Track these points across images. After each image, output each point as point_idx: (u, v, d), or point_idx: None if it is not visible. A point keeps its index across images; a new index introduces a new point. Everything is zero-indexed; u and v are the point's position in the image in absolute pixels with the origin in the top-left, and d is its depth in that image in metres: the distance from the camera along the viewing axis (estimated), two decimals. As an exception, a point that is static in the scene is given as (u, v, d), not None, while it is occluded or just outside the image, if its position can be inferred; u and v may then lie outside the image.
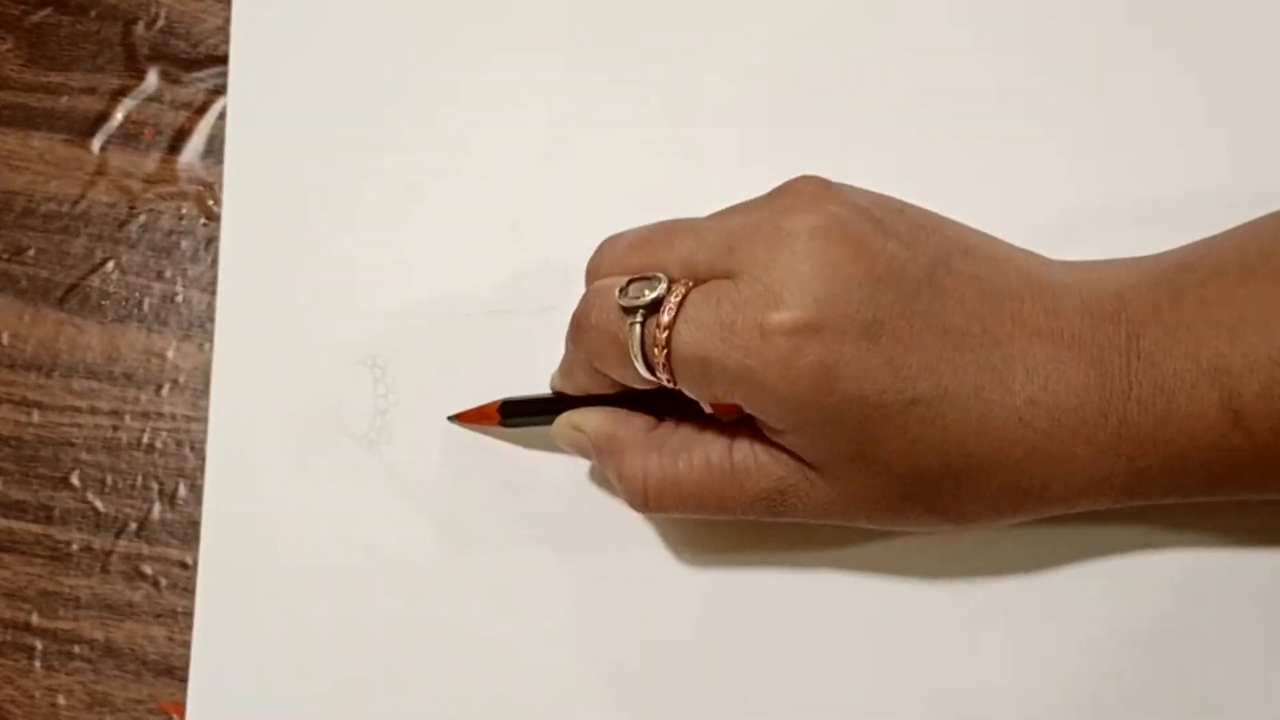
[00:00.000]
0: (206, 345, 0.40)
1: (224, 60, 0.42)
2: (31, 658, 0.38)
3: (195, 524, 0.39)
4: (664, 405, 0.35)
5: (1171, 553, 0.36)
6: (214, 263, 0.40)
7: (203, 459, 0.39)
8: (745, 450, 0.32)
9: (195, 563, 0.38)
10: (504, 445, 0.38)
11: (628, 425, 0.34)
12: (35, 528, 0.39)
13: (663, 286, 0.31)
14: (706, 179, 0.40)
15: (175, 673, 0.38)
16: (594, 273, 0.34)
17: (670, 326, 0.30)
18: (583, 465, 0.38)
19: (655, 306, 0.31)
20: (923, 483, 0.31)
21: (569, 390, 0.36)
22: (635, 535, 0.38)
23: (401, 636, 0.37)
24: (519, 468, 0.38)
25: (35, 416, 0.40)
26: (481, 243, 0.39)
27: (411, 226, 0.40)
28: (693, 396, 0.32)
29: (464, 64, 0.41)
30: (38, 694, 0.38)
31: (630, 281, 0.31)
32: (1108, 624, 0.36)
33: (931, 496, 0.31)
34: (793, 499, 0.32)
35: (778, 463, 0.32)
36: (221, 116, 0.41)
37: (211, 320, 0.40)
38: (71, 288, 0.41)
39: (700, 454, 0.33)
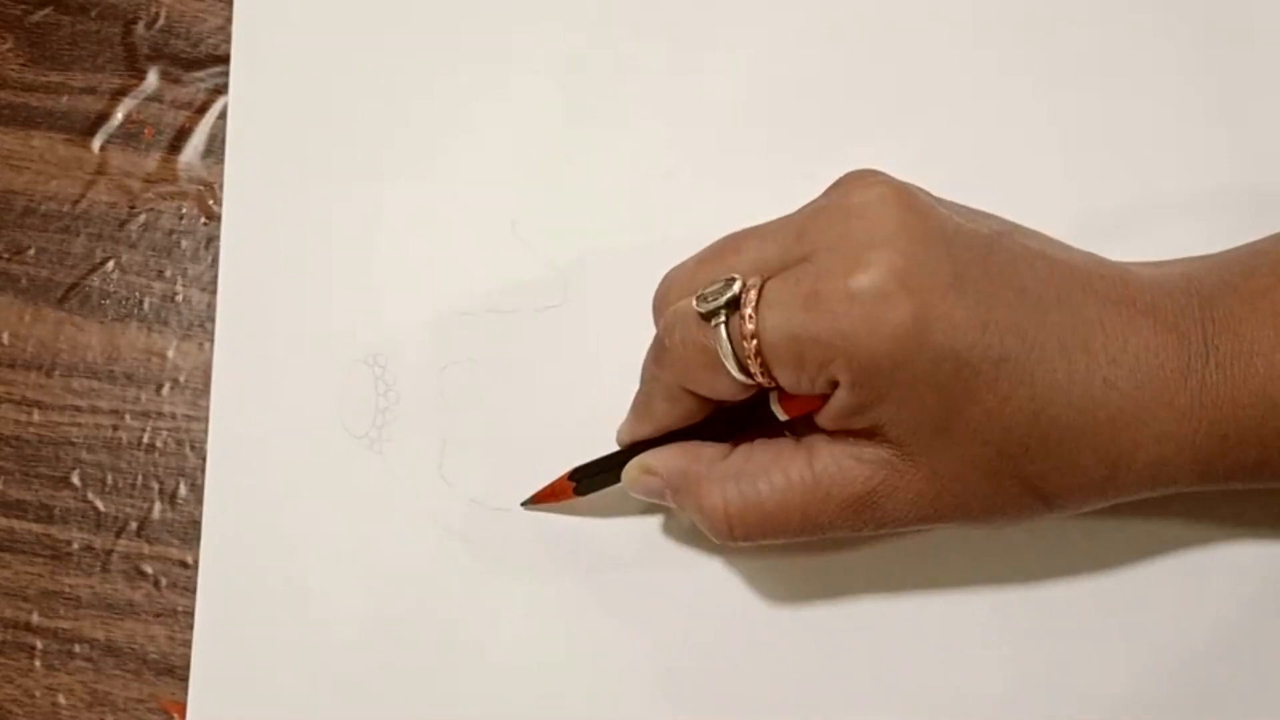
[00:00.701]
0: (207, 345, 0.40)
1: (224, 60, 0.42)
2: (32, 657, 0.38)
3: (196, 523, 0.39)
4: (733, 431, 0.34)
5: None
6: (214, 262, 0.40)
7: (203, 458, 0.39)
8: (826, 458, 0.32)
9: (196, 562, 0.38)
10: (502, 446, 0.38)
11: (700, 457, 0.34)
12: (36, 527, 0.39)
13: (739, 283, 0.31)
14: (708, 178, 0.40)
15: (176, 672, 0.38)
16: (664, 300, 0.34)
17: (755, 316, 0.30)
18: (577, 464, 0.38)
19: (735, 304, 0.31)
20: (1014, 450, 0.31)
21: (645, 428, 0.35)
22: (635, 535, 0.38)
23: (401, 636, 0.37)
24: (519, 467, 0.38)
25: (35, 416, 0.40)
26: (482, 242, 0.39)
27: (412, 225, 0.40)
28: (787, 387, 0.31)
29: (464, 64, 0.41)
30: (38, 693, 0.38)
31: (703, 293, 0.31)
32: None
33: (1023, 467, 0.31)
34: (882, 498, 0.31)
35: (862, 463, 0.31)
36: (221, 116, 0.41)
37: (212, 320, 0.40)
38: (72, 287, 0.41)
39: (780, 473, 0.32)
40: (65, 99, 0.42)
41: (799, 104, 0.40)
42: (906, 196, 0.30)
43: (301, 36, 0.41)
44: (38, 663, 0.38)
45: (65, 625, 0.38)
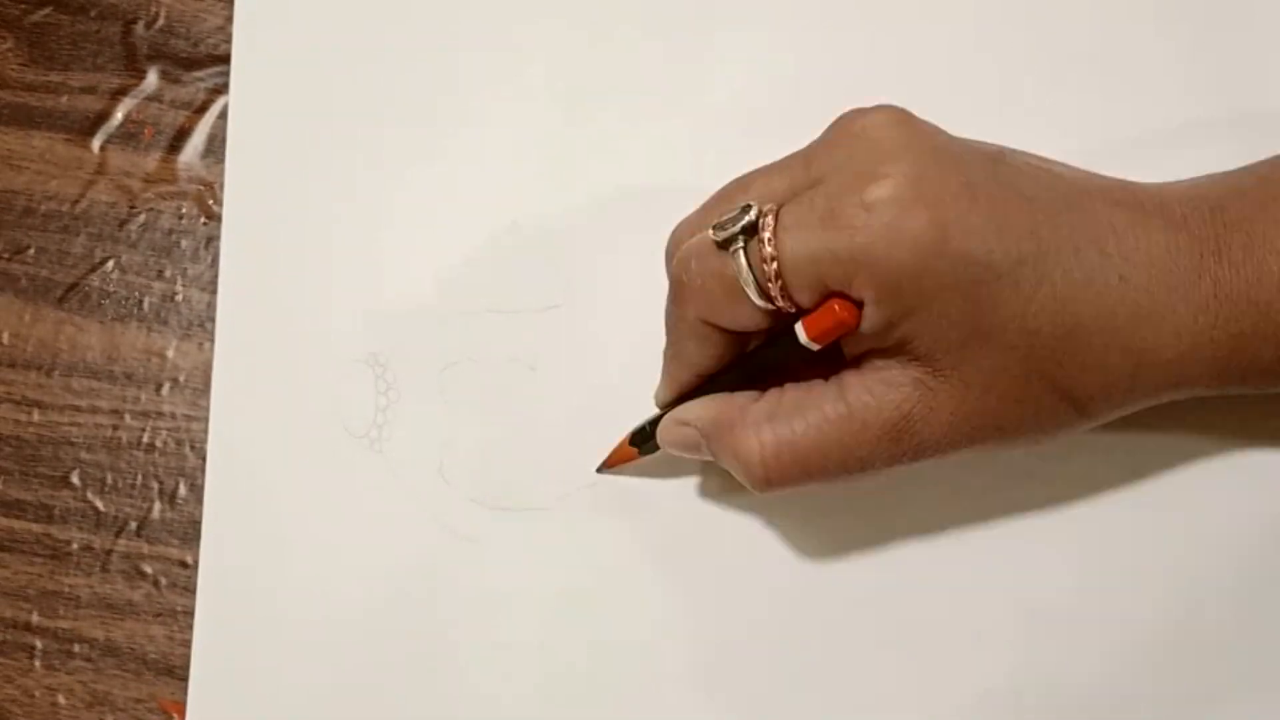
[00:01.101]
0: (206, 344, 0.40)
1: (224, 60, 0.42)
2: (32, 657, 0.38)
3: (195, 523, 0.39)
4: (765, 378, 0.34)
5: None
6: (214, 262, 0.40)
7: (203, 458, 0.39)
8: (858, 389, 0.32)
9: (195, 562, 0.38)
10: (502, 446, 0.38)
11: (732, 404, 0.33)
12: (35, 527, 0.39)
13: (755, 210, 0.31)
14: (710, 177, 0.39)
15: (175, 672, 0.38)
16: (675, 246, 0.34)
17: (774, 239, 0.30)
18: (577, 463, 0.38)
19: (752, 229, 0.31)
20: (1041, 353, 0.31)
21: (678, 377, 0.35)
22: (634, 534, 0.38)
23: (401, 636, 0.37)
24: (519, 467, 0.38)
25: (35, 416, 0.40)
26: (482, 241, 0.39)
27: (412, 225, 0.40)
28: (806, 306, 0.31)
29: (464, 64, 0.41)
30: (38, 693, 0.38)
31: (718, 222, 0.32)
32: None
33: (1051, 369, 0.31)
34: (918, 422, 0.31)
35: (895, 388, 0.31)
36: (221, 116, 0.41)
37: (211, 319, 0.40)
38: (71, 287, 0.41)
39: (813, 409, 0.32)
40: (65, 99, 0.42)
41: (801, 104, 0.40)
42: (908, 117, 0.31)
43: (301, 36, 0.41)
44: (37, 663, 0.38)
45: (65, 625, 0.38)
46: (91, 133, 0.41)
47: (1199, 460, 0.37)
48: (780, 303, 0.31)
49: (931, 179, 0.30)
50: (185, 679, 0.38)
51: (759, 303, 0.31)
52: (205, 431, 0.39)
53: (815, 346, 0.31)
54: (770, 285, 0.31)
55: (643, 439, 0.37)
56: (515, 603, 0.37)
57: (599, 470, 0.38)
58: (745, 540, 0.38)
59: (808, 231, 0.30)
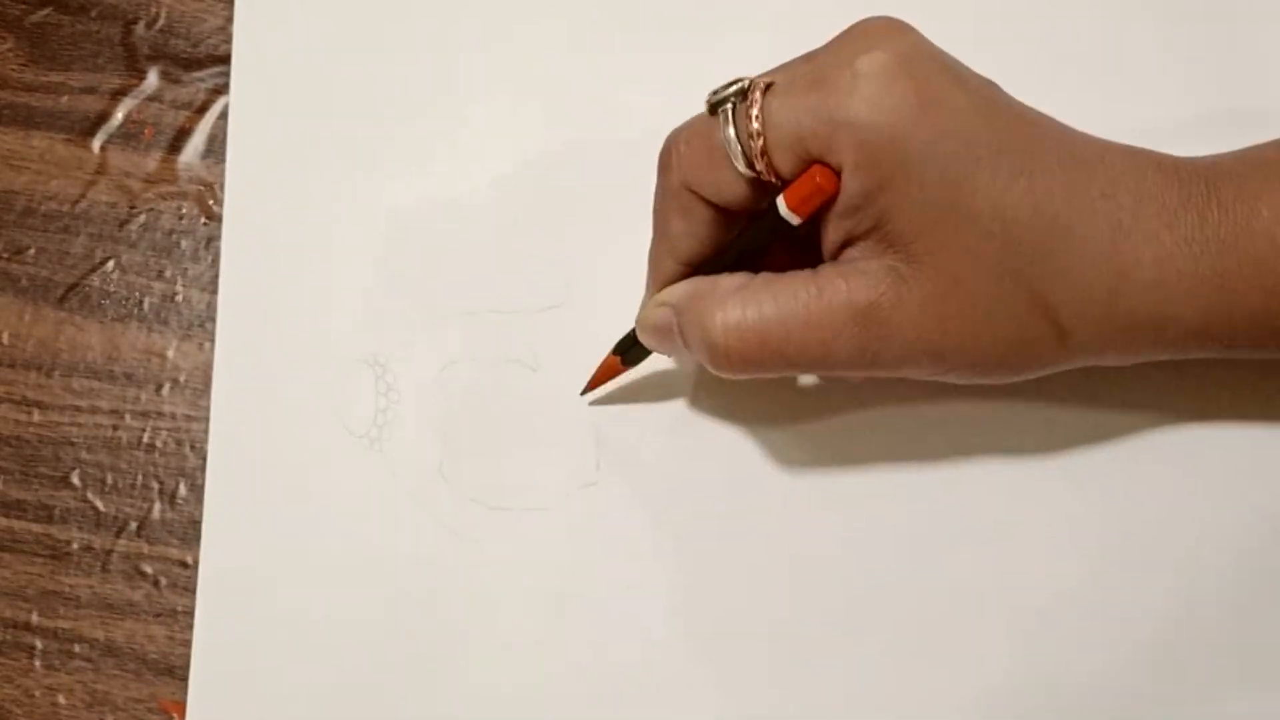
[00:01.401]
0: (207, 345, 0.40)
1: (224, 60, 0.42)
2: (32, 657, 0.38)
3: (195, 523, 0.39)
4: (751, 266, 0.34)
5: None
6: (214, 262, 0.40)
7: (203, 458, 0.39)
8: (832, 274, 0.32)
9: (195, 562, 0.38)
10: (502, 446, 0.38)
11: (713, 284, 0.33)
12: (35, 527, 0.39)
13: (747, 80, 0.31)
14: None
15: (175, 672, 0.38)
16: (670, 141, 0.34)
17: (760, 102, 0.31)
18: (577, 463, 0.38)
19: (743, 95, 0.31)
20: (1016, 248, 0.31)
21: (663, 257, 0.35)
22: (634, 534, 0.38)
23: (401, 636, 0.37)
24: (519, 467, 0.38)
25: (35, 416, 0.40)
26: (483, 241, 0.40)
27: (412, 225, 0.40)
28: (787, 174, 0.31)
29: (464, 64, 0.41)
30: (38, 693, 0.38)
31: (714, 89, 0.32)
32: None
33: (1026, 269, 0.31)
34: (886, 310, 0.31)
35: (867, 275, 0.31)
36: (221, 116, 0.41)
37: (212, 320, 0.40)
38: (72, 287, 0.41)
39: (784, 289, 0.32)
40: (65, 99, 0.42)
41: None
42: (910, 26, 0.32)
43: (301, 36, 0.41)
44: (37, 663, 0.38)
45: (65, 625, 0.38)
46: (92, 133, 0.41)
47: (1198, 460, 0.37)
48: (761, 167, 0.31)
49: (922, 60, 0.30)
50: (185, 679, 0.38)
51: (741, 168, 0.31)
52: (205, 432, 0.39)
53: (796, 219, 0.31)
54: (754, 146, 0.31)
55: (627, 345, 0.36)
56: (515, 602, 0.37)
57: (583, 393, 0.38)
58: (745, 540, 0.38)
59: (794, 95, 0.31)
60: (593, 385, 0.38)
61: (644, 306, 0.35)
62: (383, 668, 0.37)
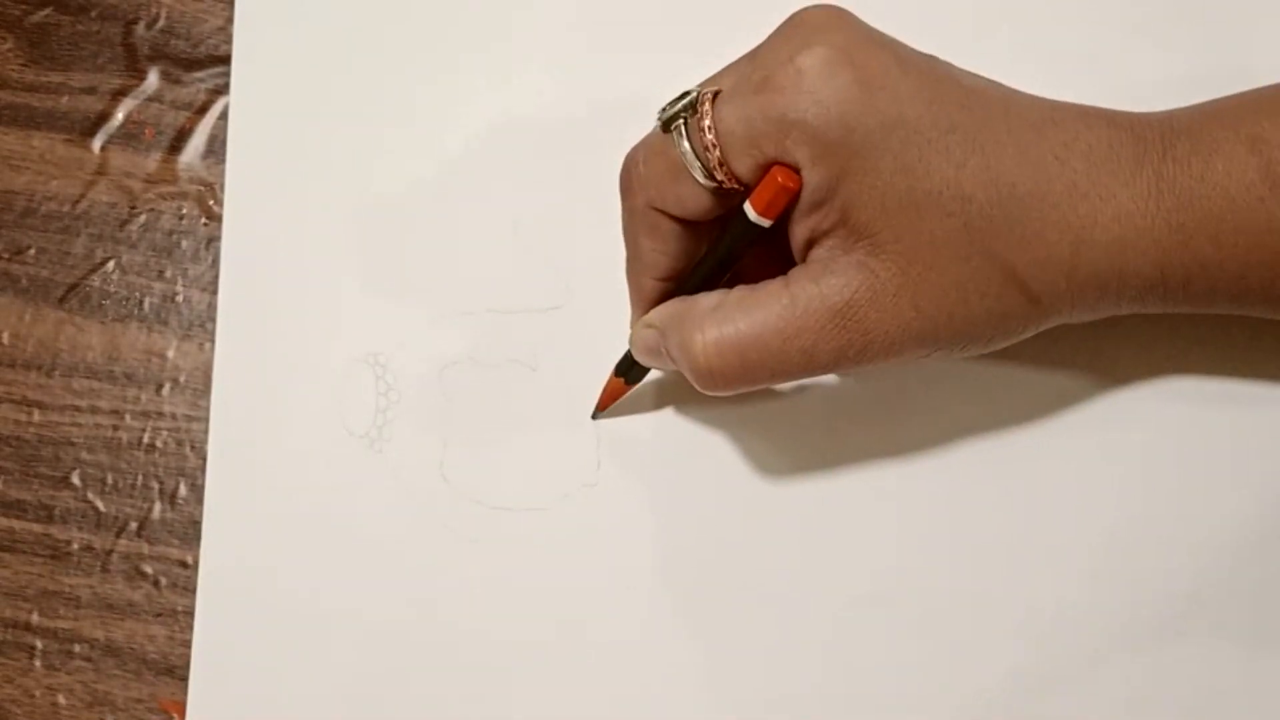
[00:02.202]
0: (207, 345, 0.40)
1: (224, 60, 0.42)
2: (32, 657, 0.38)
3: (196, 523, 0.39)
4: (730, 283, 0.34)
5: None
6: (214, 262, 0.40)
7: (203, 458, 0.39)
8: (802, 280, 0.32)
9: (195, 562, 0.38)
10: (502, 446, 0.38)
11: (693, 303, 0.34)
12: (36, 527, 0.39)
13: (696, 92, 0.32)
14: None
15: (175, 672, 0.38)
16: (631, 162, 0.34)
17: (711, 112, 0.31)
18: (577, 463, 0.38)
19: (693, 108, 0.32)
20: (978, 223, 0.31)
21: (641, 282, 0.35)
22: (634, 534, 0.38)
23: (401, 636, 0.37)
24: (519, 467, 0.38)
25: (36, 416, 0.40)
26: (483, 241, 0.40)
27: (412, 225, 0.40)
28: (748, 181, 0.32)
29: (465, 65, 0.41)
30: (38, 693, 0.38)
31: (662, 108, 0.32)
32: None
33: (991, 242, 0.31)
34: (863, 307, 0.31)
35: (838, 274, 0.31)
36: (222, 116, 0.41)
37: (212, 320, 0.40)
38: (72, 287, 0.41)
39: (758, 303, 0.32)
40: (66, 99, 0.42)
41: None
42: (846, 11, 0.32)
43: (302, 37, 0.41)
44: (38, 663, 0.38)
45: (65, 625, 0.38)
46: (92, 133, 0.41)
47: (1200, 457, 0.37)
48: (721, 176, 0.32)
49: (862, 48, 0.31)
50: (185, 679, 0.38)
51: (701, 180, 0.32)
52: (205, 432, 0.39)
53: (765, 222, 0.32)
54: (710, 156, 0.31)
55: (626, 366, 0.37)
56: (514, 602, 0.37)
57: (594, 416, 0.38)
58: (745, 539, 0.38)
59: (742, 100, 0.31)
60: (601, 407, 0.38)
61: (633, 327, 0.36)
62: (382, 667, 0.37)
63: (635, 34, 0.41)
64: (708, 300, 0.33)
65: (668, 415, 0.38)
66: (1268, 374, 0.37)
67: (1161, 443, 0.37)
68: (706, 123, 0.31)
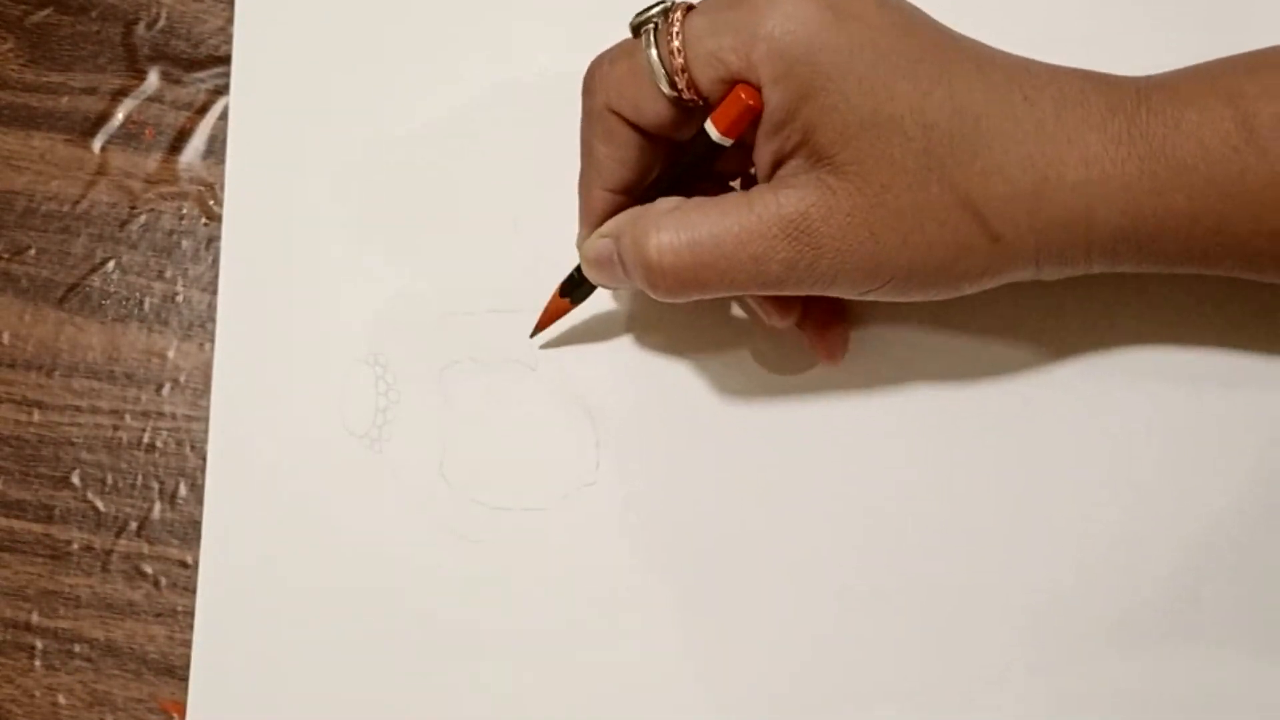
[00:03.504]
0: (207, 345, 0.40)
1: (224, 61, 0.42)
2: (32, 657, 0.38)
3: (196, 523, 0.39)
4: (688, 190, 0.34)
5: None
6: (214, 263, 0.40)
7: (203, 458, 0.39)
8: (763, 192, 0.32)
9: (195, 562, 0.38)
10: (502, 446, 0.38)
11: (650, 207, 0.34)
12: (36, 527, 0.39)
13: (670, 0, 0.32)
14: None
15: (175, 672, 0.38)
16: (595, 64, 0.34)
17: (682, 21, 0.31)
18: (577, 463, 0.38)
19: (665, 15, 0.32)
20: (939, 150, 0.31)
21: (593, 186, 0.35)
22: (634, 534, 0.38)
23: (401, 636, 0.37)
24: (519, 467, 0.38)
25: (36, 416, 0.40)
26: (483, 241, 0.40)
27: (413, 225, 0.40)
28: (710, 95, 0.32)
29: (465, 64, 0.41)
30: (38, 693, 0.38)
31: (638, 10, 0.32)
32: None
33: (951, 171, 0.31)
34: (816, 222, 0.31)
35: (796, 189, 0.32)
36: (222, 117, 0.41)
37: (212, 320, 0.40)
38: (72, 287, 0.41)
39: (717, 209, 0.32)
40: (66, 99, 0.42)
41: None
42: None
43: (302, 37, 0.41)
44: (38, 663, 0.38)
45: (65, 625, 0.38)
46: (92, 133, 0.41)
47: (1199, 458, 0.37)
48: (682, 85, 0.32)
49: None
50: (185, 679, 0.38)
51: (664, 89, 0.32)
52: (205, 432, 0.39)
53: (727, 141, 0.32)
54: (674, 63, 0.32)
55: (572, 286, 0.37)
56: (515, 602, 0.37)
57: (533, 335, 0.38)
58: (745, 540, 0.38)
59: (713, 13, 0.31)
60: (540, 327, 0.38)
61: (582, 241, 0.36)
62: (382, 667, 0.37)
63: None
64: (666, 203, 0.33)
65: (667, 416, 0.38)
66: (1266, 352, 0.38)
67: (1154, 427, 0.37)
68: (675, 29, 0.31)
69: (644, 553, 0.38)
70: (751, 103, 0.31)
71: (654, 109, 0.33)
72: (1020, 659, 0.37)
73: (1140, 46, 0.40)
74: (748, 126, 0.32)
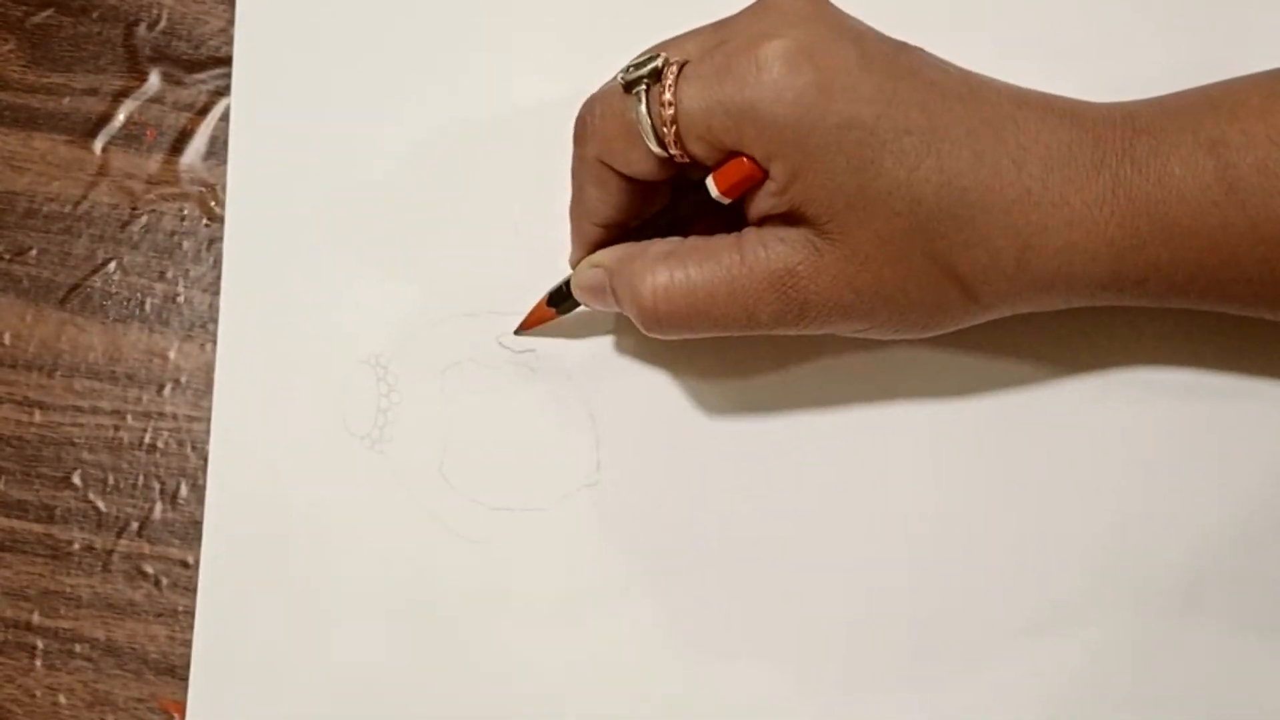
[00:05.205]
0: (208, 345, 0.40)
1: (225, 62, 0.42)
2: (33, 657, 0.38)
3: (197, 523, 0.39)
4: (679, 228, 0.35)
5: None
6: (216, 263, 0.40)
7: (204, 459, 0.39)
8: (753, 242, 0.33)
9: (196, 562, 0.38)
10: (502, 446, 0.38)
11: (643, 249, 0.34)
12: (37, 527, 0.39)
13: (662, 59, 0.32)
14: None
15: (176, 672, 0.38)
16: (586, 110, 0.35)
17: (674, 88, 0.32)
18: (577, 463, 0.38)
19: (657, 76, 0.32)
20: (924, 224, 0.31)
21: (583, 227, 0.36)
22: (634, 534, 0.38)
23: (401, 636, 0.37)
24: (519, 467, 0.38)
25: (37, 416, 0.40)
26: (484, 243, 0.40)
27: (414, 226, 0.40)
28: (701, 159, 0.32)
29: (466, 65, 0.41)
30: (39, 693, 0.38)
31: (628, 67, 0.33)
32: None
33: (934, 243, 0.32)
34: (804, 278, 0.32)
35: (785, 244, 0.32)
36: (223, 118, 0.41)
37: (213, 320, 0.40)
38: (73, 288, 0.41)
39: (710, 254, 0.33)
40: (67, 100, 0.42)
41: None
42: (821, 0, 0.32)
43: (303, 38, 0.41)
44: (38, 662, 0.38)
45: (66, 625, 0.38)
46: (93, 134, 0.42)
47: (1200, 456, 0.37)
48: (673, 150, 0.32)
49: (825, 45, 0.31)
50: (185, 679, 0.38)
51: (654, 149, 0.32)
52: (207, 432, 0.39)
53: (726, 200, 0.33)
54: (665, 131, 0.32)
55: (559, 299, 0.37)
56: (515, 603, 0.37)
57: (516, 332, 0.38)
58: (745, 540, 0.38)
59: (704, 83, 0.31)
60: (525, 327, 0.38)
61: (575, 264, 0.37)
62: (383, 667, 0.37)
63: (639, 36, 0.41)
64: (660, 246, 0.34)
65: (667, 416, 0.38)
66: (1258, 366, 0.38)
67: (1155, 435, 0.37)
68: (667, 97, 0.32)
69: (644, 553, 0.38)
70: (754, 174, 0.32)
71: (644, 164, 0.33)
72: (1023, 668, 0.37)
73: (1140, 47, 0.40)
74: (747, 191, 0.33)
